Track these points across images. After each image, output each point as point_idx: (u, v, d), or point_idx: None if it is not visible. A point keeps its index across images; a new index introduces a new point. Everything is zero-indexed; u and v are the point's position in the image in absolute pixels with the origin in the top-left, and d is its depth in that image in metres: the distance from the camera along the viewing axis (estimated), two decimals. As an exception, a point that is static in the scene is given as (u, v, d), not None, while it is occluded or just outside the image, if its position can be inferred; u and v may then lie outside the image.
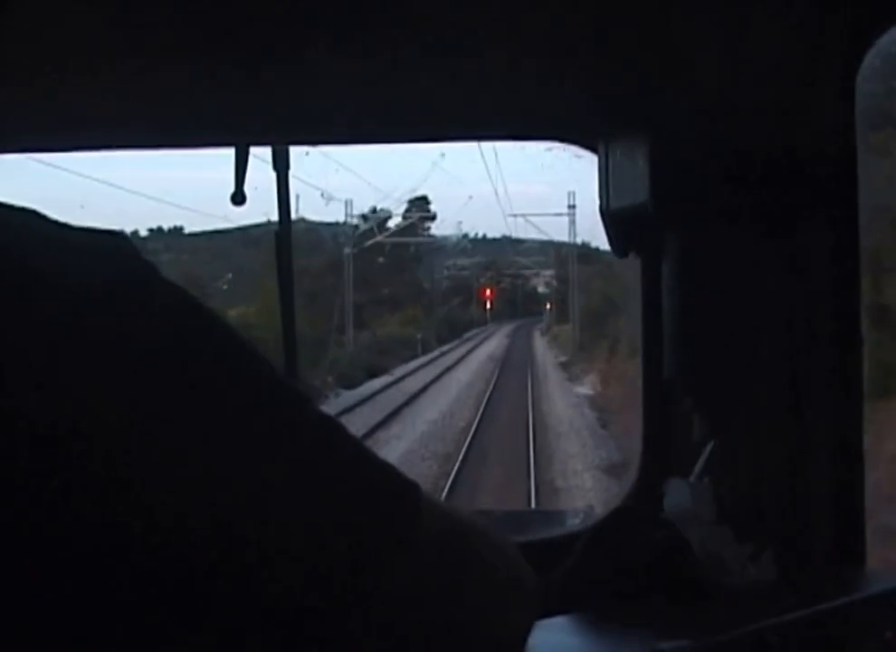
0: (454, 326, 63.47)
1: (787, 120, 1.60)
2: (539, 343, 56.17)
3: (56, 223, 0.81)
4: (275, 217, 1.89)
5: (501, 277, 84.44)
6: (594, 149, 1.71)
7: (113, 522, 0.75)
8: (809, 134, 1.62)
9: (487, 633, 1.00)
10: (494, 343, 56.24)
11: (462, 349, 49.36)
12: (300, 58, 1.64)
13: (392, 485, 0.88)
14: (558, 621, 1.34)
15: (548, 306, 74.86)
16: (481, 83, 1.68)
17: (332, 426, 0.86)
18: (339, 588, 0.83)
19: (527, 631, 1.08)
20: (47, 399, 0.74)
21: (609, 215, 1.66)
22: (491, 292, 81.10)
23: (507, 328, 73.48)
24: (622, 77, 1.61)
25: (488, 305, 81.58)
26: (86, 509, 0.74)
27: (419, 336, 45.12)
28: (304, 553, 0.81)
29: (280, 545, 0.80)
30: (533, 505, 12.62)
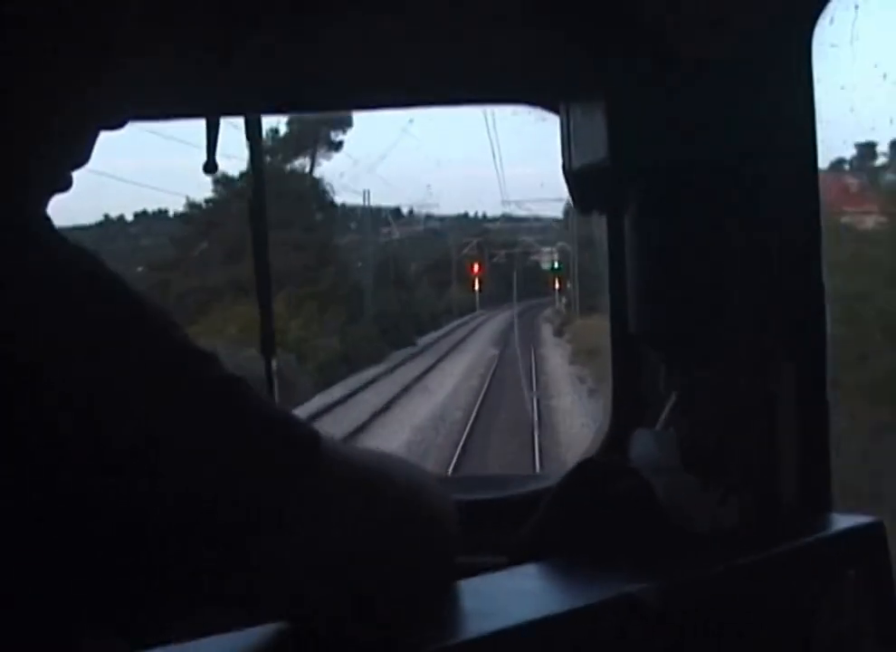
0: (416, 321, 44.45)
1: (746, 81, 1.63)
2: (555, 358, 31.28)
3: None
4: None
5: (494, 250, 72.59)
6: (556, 111, 1.74)
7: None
8: (768, 95, 1.65)
9: (400, 574, 1.03)
10: (470, 359, 33.18)
11: (385, 391, 22.69)
12: (271, 25, 1.66)
13: (290, 432, 0.92)
14: (527, 568, 1.37)
15: (557, 285, 62.57)
16: (448, 49, 1.71)
17: (232, 380, 0.90)
18: (235, 534, 0.87)
19: (447, 569, 1.11)
20: None
21: (571, 174, 1.70)
22: (480, 267, 67.88)
23: (499, 319, 57.85)
24: (580, 37, 1.64)
25: (476, 286, 68.28)
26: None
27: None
28: (200, 501, 0.85)
29: (175, 490, 0.84)
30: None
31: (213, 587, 0.89)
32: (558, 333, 42.51)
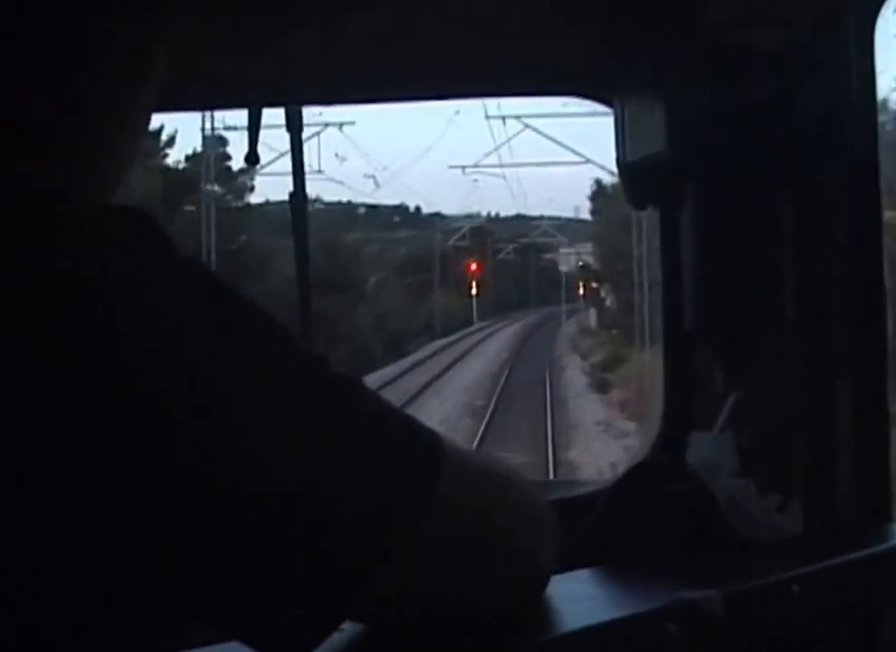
0: (365, 347, 32.26)
1: (806, 73, 1.59)
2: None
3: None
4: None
5: (500, 244, 58.44)
6: (609, 103, 1.70)
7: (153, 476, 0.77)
8: (828, 87, 1.61)
9: (513, 575, 1.02)
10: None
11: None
12: (313, 16, 1.62)
13: (413, 439, 0.88)
14: (582, 573, 1.33)
15: (582, 291, 50.79)
16: (497, 38, 1.67)
17: (353, 384, 0.87)
18: (365, 543, 0.84)
19: (550, 569, 1.09)
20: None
21: (626, 168, 1.65)
22: (478, 266, 54.02)
23: (503, 337, 43.62)
24: (637, 29, 1.60)
25: (473, 289, 53.16)
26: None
27: None
28: (328, 511, 0.82)
29: (304, 503, 0.81)
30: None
31: (335, 602, 0.85)
32: (599, 386, 23.17)
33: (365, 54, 1.72)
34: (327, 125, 35.24)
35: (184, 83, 1.77)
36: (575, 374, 28.98)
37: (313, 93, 1.84)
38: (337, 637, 0.93)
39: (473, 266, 55.35)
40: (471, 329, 50.29)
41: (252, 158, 1.79)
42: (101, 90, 0.93)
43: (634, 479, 1.49)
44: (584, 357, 32.61)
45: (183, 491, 0.77)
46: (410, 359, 34.77)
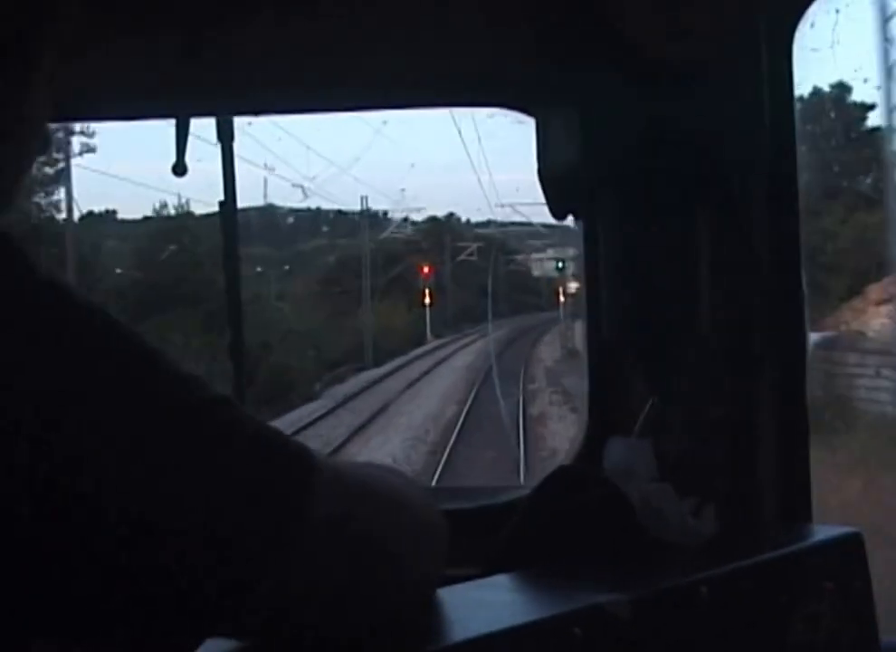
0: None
1: (721, 86, 1.62)
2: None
3: None
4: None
5: (463, 244, 47.62)
6: (532, 115, 1.72)
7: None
8: (744, 100, 1.64)
9: (394, 582, 1.02)
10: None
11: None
12: (242, 26, 1.64)
13: (285, 461, 0.89)
14: (498, 579, 1.35)
15: (562, 298, 38.57)
16: (423, 51, 1.69)
17: (227, 406, 0.88)
18: (235, 566, 0.85)
19: (436, 575, 1.09)
20: None
21: (546, 178, 1.68)
22: (431, 269, 43.34)
23: (460, 364, 31.37)
24: (557, 41, 1.62)
25: (426, 298, 41.60)
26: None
27: None
28: (196, 533, 0.83)
29: (170, 526, 0.82)
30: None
31: (212, 616, 0.86)
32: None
33: (292, 65, 1.73)
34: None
35: (111, 93, 1.78)
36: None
37: (242, 104, 1.85)
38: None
39: (426, 269, 43.46)
40: (421, 350, 37.61)
41: (180, 168, 1.80)
42: None
43: (553, 485, 1.51)
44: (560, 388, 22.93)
45: (42, 512, 0.77)
46: (299, 413, 22.13)
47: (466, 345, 38.33)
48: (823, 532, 1.60)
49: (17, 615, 0.80)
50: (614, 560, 1.43)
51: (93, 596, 0.81)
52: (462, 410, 21.64)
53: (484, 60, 1.68)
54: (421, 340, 40.95)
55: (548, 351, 34.33)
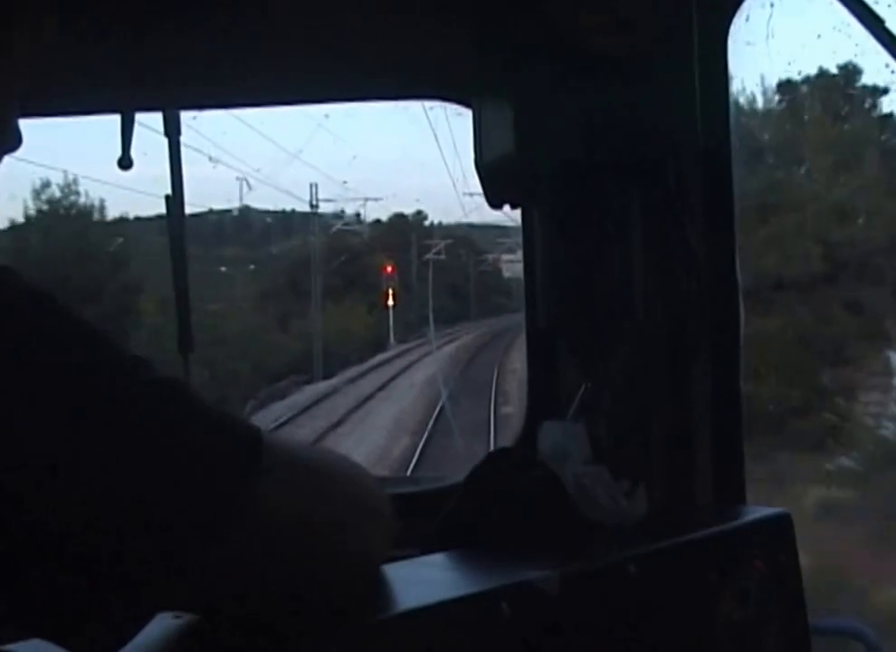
0: None
1: (655, 78, 1.64)
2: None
3: None
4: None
5: (430, 242, 44.08)
6: (468, 105, 1.75)
7: None
8: (678, 91, 1.67)
9: (338, 568, 1.05)
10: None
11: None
12: (183, 19, 1.66)
13: (234, 436, 0.92)
14: (433, 558, 1.37)
15: None
16: (361, 44, 1.71)
17: (174, 386, 0.90)
18: (185, 533, 0.87)
19: (380, 556, 1.12)
20: None
21: (483, 168, 1.71)
22: (394, 269, 39.86)
23: (413, 391, 24.71)
24: (492, 31, 1.65)
25: (389, 299, 38.34)
26: None
27: None
28: (141, 507, 0.84)
29: (114, 501, 0.84)
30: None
31: (157, 594, 0.88)
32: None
33: (235, 59, 1.76)
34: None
35: (56, 87, 1.80)
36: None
37: (186, 98, 1.87)
38: (162, 627, 0.97)
39: (389, 268, 39.79)
40: (383, 357, 33.84)
41: (126, 161, 1.82)
42: None
43: (490, 467, 1.54)
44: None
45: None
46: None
47: (431, 351, 34.02)
48: (754, 512, 1.64)
49: None
50: (546, 541, 1.46)
51: (35, 579, 0.83)
52: (418, 445, 18.39)
53: (421, 49, 1.71)
54: (383, 345, 37.08)
55: (521, 358, 28.72)
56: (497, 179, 1.70)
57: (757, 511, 1.64)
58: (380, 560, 1.15)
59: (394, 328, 39.25)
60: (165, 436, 0.87)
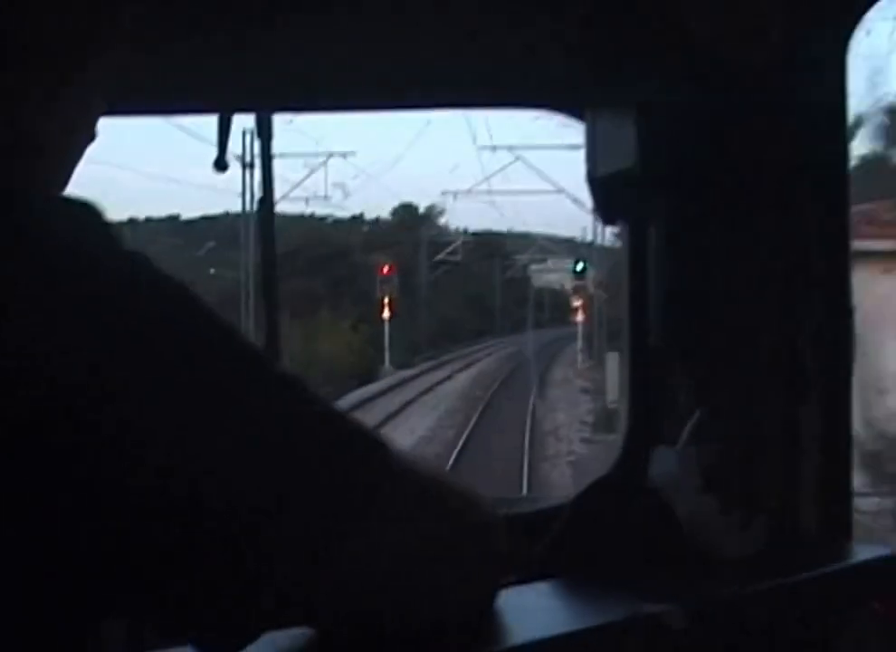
0: None
1: (779, 89, 1.60)
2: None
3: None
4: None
5: (446, 238, 37.17)
6: (580, 116, 1.70)
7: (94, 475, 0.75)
8: (801, 104, 1.62)
9: (455, 587, 1.00)
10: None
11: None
12: (286, 21, 1.62)
13: (359, 443, 0.87)
14: (541, 586, 1.32)
15: (580, 312, 31.62)
16: (469, 50, 1.66)
17: (300, 385, 0.86)
18: (309, 544, 0.83)
19: (497, 583, 1.07)
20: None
21: (596, 182, 1.66)
22: (391, 269, 30.61)
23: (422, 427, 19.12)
24: (611, 41, 1.60)
25: (385, 309, 29.62)
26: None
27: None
28: (270, 512, 0.81)
29: (244, 502, 0.80)
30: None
31: (276, 598, 0.84)
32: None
33: (338, 62, 1.71)
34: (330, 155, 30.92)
35: (153, 86, 1.76)
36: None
37: (284, 100, 1.83)
38: (272, 641, 0.92)
39: (386, 269, 30.45)
40: (370, 391, 24.94)
41: (222, 162, 1.78)
42: (25, 79, 0.90)
43: (596, 494, 1.49)
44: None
45: (120, 490, 0.76)
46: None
47: (434, 386, 25.49)
48: (865, 550, 1.58)
49: (87, 595, 0.77)
50: (658, 571, 1.40)
51: (163, 572, 0.79)
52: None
53: (535, 59, 1.66)
54: (372, 374, 27.47)
55: (564, 405, 21.94)
56: (612, 192, 1.65)
57: (867, 549, 1.58)
58: (497, 584, 1.10)
59: (390, 348, 28.94)
60: (296, 433, 0.83)
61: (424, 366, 29.61)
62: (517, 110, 1.84)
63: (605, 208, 1.67)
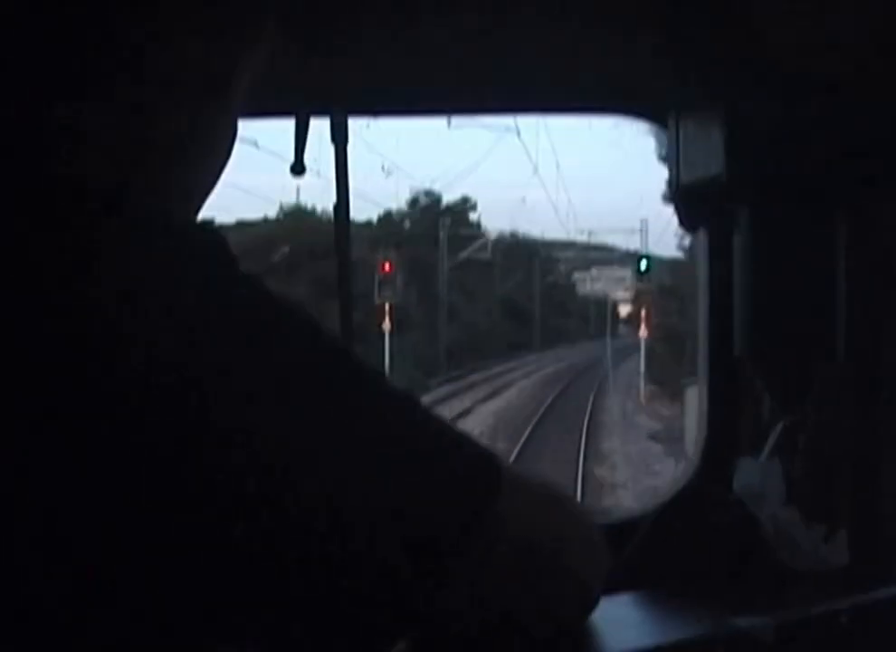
0: None
1: (867, 95, 1.57)
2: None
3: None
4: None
5: (469, 231, 32.60)
6: (663, 123, 1.68)
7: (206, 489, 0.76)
8: (885, 111, 1.59)
9: (564, 596, 0.99)
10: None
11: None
12: (360, 25, 1.61)
13: (474, 456, 0.87)
14: (626, 597, 1.31)
15: (642, 325, 26.92)
16: (549, 54, 1.65)
17: (413, 403, 0.86)
18: (421, 562, 0.82)
19: (598, 593, 1.07)
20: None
21: (680, 190, 1.63)
22: (391, 266, 25.39)
23: None
24: (694, 47, 1.58)
25: (386, 319, 24.88)
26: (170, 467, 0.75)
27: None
28: (384, 528, 0.80)
29: (361, 517, 0.79)
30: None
31: (392, 617, 0.84)
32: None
33: (413, 67, 1.71)
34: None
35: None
36: None
37: (360, 103, 1.82)
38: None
39: (387, 266, 26.10)
40: None
41: (299, 166, 1.77)
42: (167, 98, 0.91)
43: (679, 505, 1.47)
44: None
45: (236, 513, 0.76)
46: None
47: (453, 420, 14.30)
48: None
49: (204, 620, 0.77)
50: (742, 584, 1.38)
51: (280, 594, 0.78)
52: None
53: (617, 64, 1.64)
54: None
55: (628, 468, 15.82)
56: (696, 201, 1.63)
57: None
58: (599, 594, 1.09)
59: (391, 370, 22.56)
60: (414, 448, 0.83)
61: (440, 391, 24.22)
62: (596, 115, 1.82)
63: (689, 217, 1.65)
